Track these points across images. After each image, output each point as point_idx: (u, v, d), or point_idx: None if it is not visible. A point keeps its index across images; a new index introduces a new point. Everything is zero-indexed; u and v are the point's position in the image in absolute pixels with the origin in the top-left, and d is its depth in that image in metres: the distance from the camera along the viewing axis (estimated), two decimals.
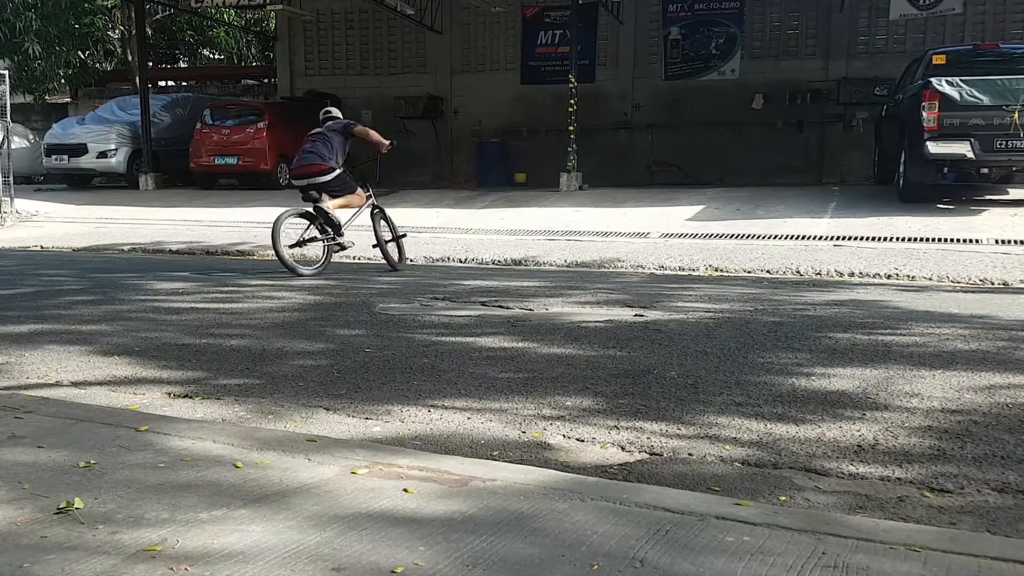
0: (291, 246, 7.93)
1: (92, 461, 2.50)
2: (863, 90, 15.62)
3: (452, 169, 19.15)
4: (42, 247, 10.76)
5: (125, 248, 10.45)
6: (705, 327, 4.92)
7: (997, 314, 5.36)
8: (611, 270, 8.11)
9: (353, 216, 8.30)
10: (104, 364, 4.17)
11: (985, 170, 10.34)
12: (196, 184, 16.93)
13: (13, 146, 14.55)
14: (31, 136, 20.66)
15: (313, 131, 8.30)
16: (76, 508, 2.13)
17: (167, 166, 17.47)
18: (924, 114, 9.76)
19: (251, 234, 11.11)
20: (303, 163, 8.07)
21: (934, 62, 10.48)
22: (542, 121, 17.81)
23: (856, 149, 16.01)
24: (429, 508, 2.16)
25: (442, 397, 3.54)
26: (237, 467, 2.47)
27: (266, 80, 22.98)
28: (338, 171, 8.00)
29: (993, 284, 6.90)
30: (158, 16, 24.20)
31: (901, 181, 10.93)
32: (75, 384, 3.82)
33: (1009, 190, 11.89)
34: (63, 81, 22.78)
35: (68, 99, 24.77)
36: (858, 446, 2.91)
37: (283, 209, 8.06)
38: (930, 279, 7.16)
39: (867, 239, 9.11)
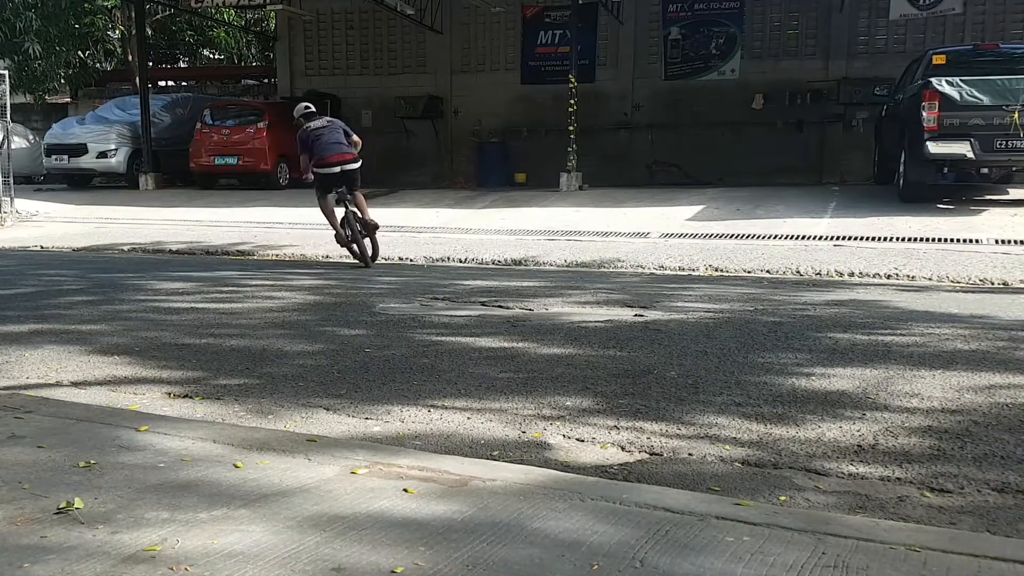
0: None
1: (92, 461, 2.50)
2: (863, 90, 15.62)
3: (452, 169, 19.15)
4: (42, 247, 10.76)
5: (125, 248, 10.45)
6: (705, 327, 4.92)
7: (997, 314, 5.36)
8: (611, 270, 8.11)
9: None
10: (104, 364, 4.17)
11: (985, 170, 10.34)
12: (196, 184, 16.93)
13: (13, 146, 14.56)
14: (31, 136, 20.66)
15: (318, 124, 8.45)
16: (76, 508, 2.13)
17: (167, 166, 17.47)
18: (924, 114, 9.76)
19: (251, 234, 11.11)
20: (335, 152, 8.30)
21: (934, 62, 10.48)
22: (542, 121, 17.81)
23: (856, 149, 16.01)
24: (429, 508, 2.16)
25: (442, 397, 3.54)
26: (237, 467, 2.47)
27: (266, 80, 22.98)
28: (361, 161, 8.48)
29: (993, 284, 6.90)
30: (158, 16, 24.19)
31: (901, 181, 10.93)
32: (75, 384, 3.82)
33: (1009, 190, 11.89)
34: (63, 81, 22.78)
35: (68, 99, 24.76)
36: (858, 446, 2.91)
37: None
38: (930, 279, 7.16)
39: (867, 239, 9.11)
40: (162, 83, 24.66)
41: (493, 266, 8.59)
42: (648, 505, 2.19)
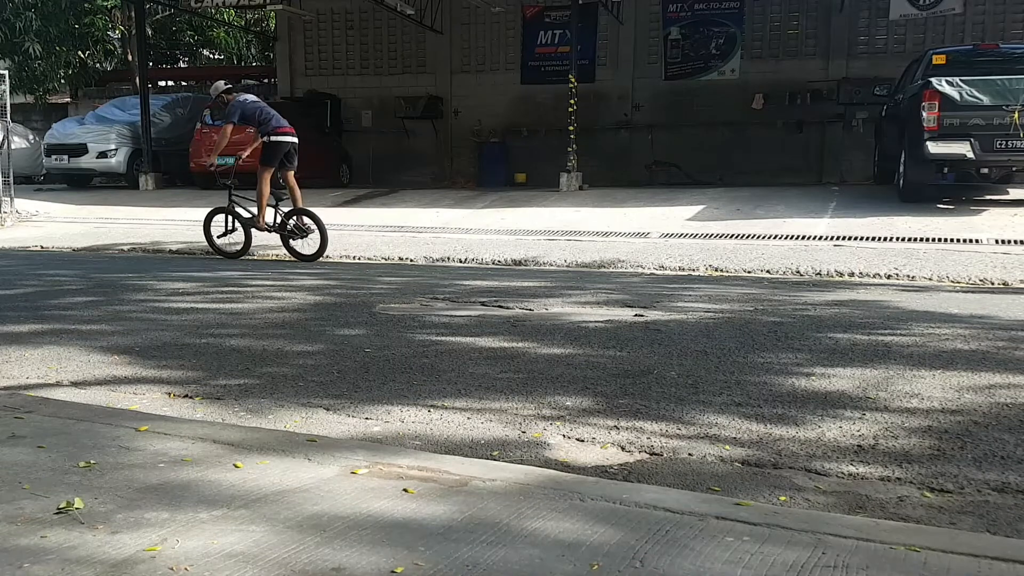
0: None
1: (92, 461, 2.50)
2: (863, 90, 15.63)
3: (452, 169, 19.15)
4: (42, 247, 10.77)
5: (125, 248, 10.45)
6: (705, 327, 4.92)
7: (997, 314, 5.36)
8: (611, 270, 8.11)
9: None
10: (104, 364, 4.17)
11: (985, 170, 10.34)
12: (196, 184, 16.91)
13: (13, 146, 14.55)
14: (31, 136, 20.66)
15: (251, 97, 8.89)
16: (76, 508, 2.13)
17: (167, 166, 17.47)
18: (924, 114, 9.76)
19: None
20: (288, 125, 8.68)
21: (934, 62, 10.49)
22: (542, 121, 17.82)
23: (856, 149, 16.02)
24: (429, 508, 2.16)
25: (442, 397, 3.54)
26: (237, 467, 2.47)
27: (266, 80, 22.97)
28: None
29: (993, 284, 6.90)
30: (158, 16, 24.19)
31: (901, 181, 10.93)
32: (75, 384, 3.82)
33: (1009, 190, 11.89)
34: (63, 81, 22.80)
35: (68, 99, 24.77)
36: (858, 446, 2.91)
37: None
38: (930, 279, 7.16)
39: (867, 239, 9.12)
40: (162, 83, 24.67)
41: (493, 266, 8.59)
42: (648, 505, 2.19)
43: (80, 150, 17.08)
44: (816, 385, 3.64)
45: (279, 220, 8.78)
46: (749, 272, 7.67)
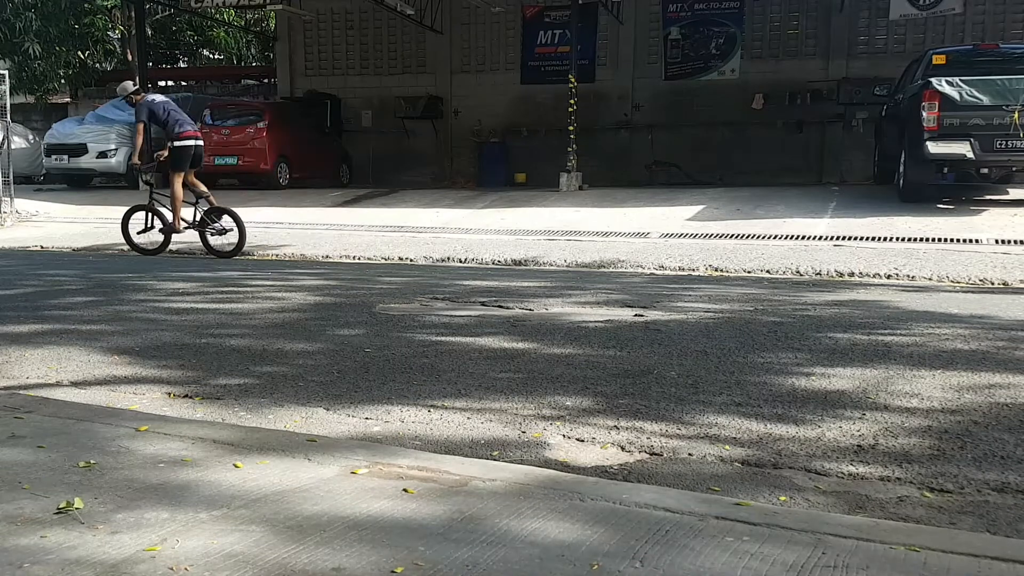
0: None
1: (92, 461, 2.50)
2: (863, 90, 15.63)
3: (452, 169, 19.16)
4: (42, 247, 10.76)
5: (125, 248, 10.44)
6: (705, 327, 4.92)
7: (997, 314, 5.36)
8: (611, 270, 8.11)
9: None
10: (104, 364, 4.17)
11: (985, 170, 10.34)
12: None
13: (13, 146, 14.55)
14: (31, 136, 20.66)
15: (160, 98, 9.17)
16: (76, 508, 2.13)
17: (167, 166, 17.44)
18: (924, 114, 9.77)
19: (251, 234, 11.10)
20: (194, 127, 9.05)
21: (934, 62, 10.49)
22: (542, 121, 17.83)
23: (856, 149, 16.02)
24: (429, 508, 2.16)
25: (442, 397, 3.54)
26: (237, 467, 2.47)
27: (266, 80, 22.99)
28: None
29: (993, 284, 6.90)
30: (158, 16, 24.19)
31: (901, 181, 10.93)
32: (75, 384, 3.82)
33: (1009, 190, 11.89)
34: (63, 81, 22.80)
35: (68, 99, 24.77)
36: (858, 446, 2.90)
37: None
38: (930, 279, 7.16)
39: (867, 239, 9.12)
40: (162, 83, 24.65)
41: (493, 266, 8.59)
42: (648, 505, 2.19)
43: (80, 150, 17.08)
44: (816, 385, 3.64)
45: (199, 217, 9.09)
46: (749, 272, 7.67)
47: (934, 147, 9.77)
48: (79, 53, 22.66)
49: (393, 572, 1.81)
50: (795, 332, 4.74)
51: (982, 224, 9.53)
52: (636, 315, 5.33)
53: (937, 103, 9.70)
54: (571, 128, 14.15)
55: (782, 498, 2.50)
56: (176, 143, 8.85)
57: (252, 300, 6.23)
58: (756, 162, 16.54)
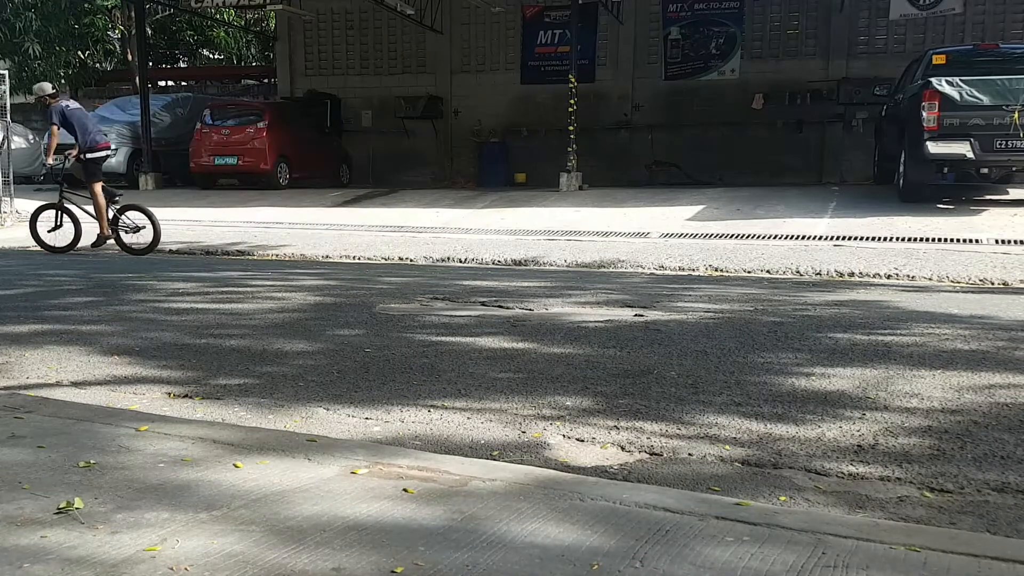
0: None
1: (92, 461, 2.50)
2: (863, 90, 15.64)
3: (452, 169, 19.16)
4: None
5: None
6: (705, 327, 4.92)
7: (997, 314, 5.36)
8: (611, 270, 8.11)
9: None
10: (104, 364, 4.17)
11: (985, 170, 10.34)
12: (196, 184, 16.93)
13: (13, 146, 14.55)
14: (31, 136, 20.65)
15: (74, 105, 9.42)
16: (76, 508, 2.13)
17: (167, 166, 17.47)
18: (924, 114, 9.77)
19: (251, 234, 11.12)
20: (104, 139, 9.43)
21: (934, 62, 10.49)
22: (542, 121, 17.82)
23: (856, 149, 16.02)
24: (429, 508, 2.16)
25: (442, 397, 3.54)
26: (237, 467, 2.47)
27: (266, 80, 22.99)
28: None
29: (993, 284, 6.90)
30: (158, 16, 24.20)
31: (901, 181, 10.93)
32: (75, 384, 3.82)
33: (1009, 190, 11.89)
34: (63, 81, 22.78)
35: None
36: (858, 446, 2.90)
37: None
38: (930, 279, 7.16)
39: (867, 239, 9.12)
40: (162, 83, 24.67)
41: (493, 266, 8.59)
42: (648, 505, 2.19)
43: None
44: (816, 385, 3.64)
45: (111, 215, 9.31)
46: (749, 272, 7.67)
47: (934, 147, 9.77)
48: (79, 53, 22.66)
49: (393, 572, 1.81)
50: (795, 332, 4.74)
51: (982, 224, 9.53)
52: (636, 315, 5.33)
53: (937, 103, 9.70)
54: (571, 128, 14.15)
55: (782, 498, 2.50)
56: (91, 155, 9.23)
57: (252, 300, 6.23)
58: (756, 162, 16.54)
